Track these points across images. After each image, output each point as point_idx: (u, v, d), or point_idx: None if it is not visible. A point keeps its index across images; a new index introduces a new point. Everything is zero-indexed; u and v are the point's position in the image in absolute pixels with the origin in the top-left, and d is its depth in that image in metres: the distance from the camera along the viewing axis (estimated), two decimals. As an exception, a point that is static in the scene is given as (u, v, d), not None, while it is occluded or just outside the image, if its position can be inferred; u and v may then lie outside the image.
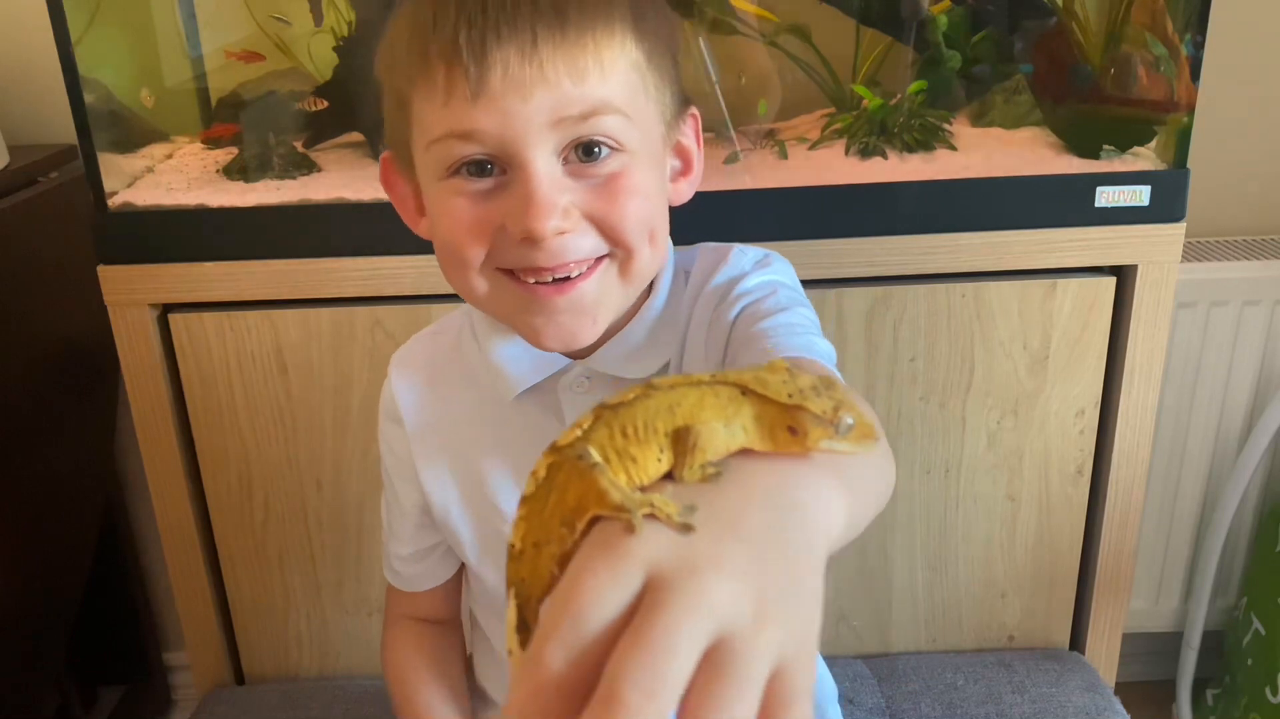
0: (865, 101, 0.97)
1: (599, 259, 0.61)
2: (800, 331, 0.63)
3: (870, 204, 0.93)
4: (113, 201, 0.93)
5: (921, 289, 0.96)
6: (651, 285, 0.68)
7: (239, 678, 1.07)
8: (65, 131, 1.21)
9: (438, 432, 0.73)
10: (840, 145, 0.97)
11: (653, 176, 0.63)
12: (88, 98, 0.89)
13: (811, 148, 0.97)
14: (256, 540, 1.01)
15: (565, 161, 0.59)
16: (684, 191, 0.68)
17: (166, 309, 0.95)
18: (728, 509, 0.35)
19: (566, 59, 0.56)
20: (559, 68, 0.56)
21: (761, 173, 0.96)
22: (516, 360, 0.68)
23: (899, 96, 0.97)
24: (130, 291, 0.94)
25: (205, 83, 0.97)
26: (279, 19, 0.92)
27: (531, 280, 0.60)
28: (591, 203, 0.59)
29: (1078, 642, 1.08)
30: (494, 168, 0.59)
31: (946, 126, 0.97)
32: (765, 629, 0.31)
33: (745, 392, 0.37)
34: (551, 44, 0.56)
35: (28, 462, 1.16)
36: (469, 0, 0.57)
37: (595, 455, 0.34)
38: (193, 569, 1.02)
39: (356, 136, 0.99)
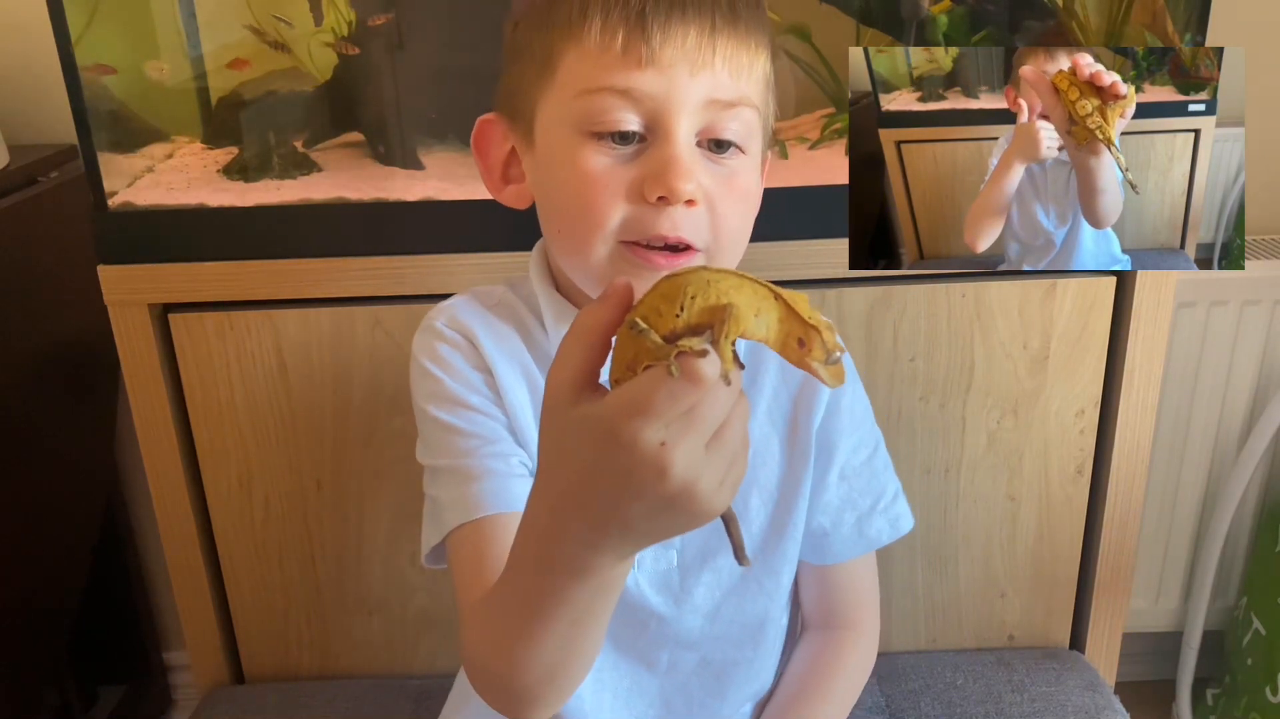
0: (865, 101, 0.97)
1: (695, 252, 0.65)
2: (888, 507, 0.82)
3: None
4: (113, 201, 0.93)
5: (921, 289, 0.96)
6: None
7: (239, 678, 1.07)
8: (65, 131, 1.21)
9: (517, 377, 0.72)
10: (840, 145, 0.97)
11: (755, 185, 0.68)
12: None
13: (811, 148, 0.97)
14: (256, 540, 1.01)
15: (698, 145, 0.64)
16: None
17: (166, 309, 0.95)
18: None
19: (734, 51, 0.63)
20: (726, 57, 0.63)
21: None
22: None
23: (899, 96, 0.97)
24: (130, 291, 0.94)
25: (205, 82, 0.97)
26: (280, 19, 0.92)
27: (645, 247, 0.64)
28: (713, 189, 0.64)
29: (1077, 641, 1.08)
30: (635, 138, 0.63)
31: (946, 126, 0.97)
32: None
33: (778, 297, 0.44)
34: (725, 35, 0.62)
35: (28, 461, 1.16)
36: None
37: (641, 324, 0.44)
38: (193, 569, 1.02)
39: (356, 136, 0.99)
